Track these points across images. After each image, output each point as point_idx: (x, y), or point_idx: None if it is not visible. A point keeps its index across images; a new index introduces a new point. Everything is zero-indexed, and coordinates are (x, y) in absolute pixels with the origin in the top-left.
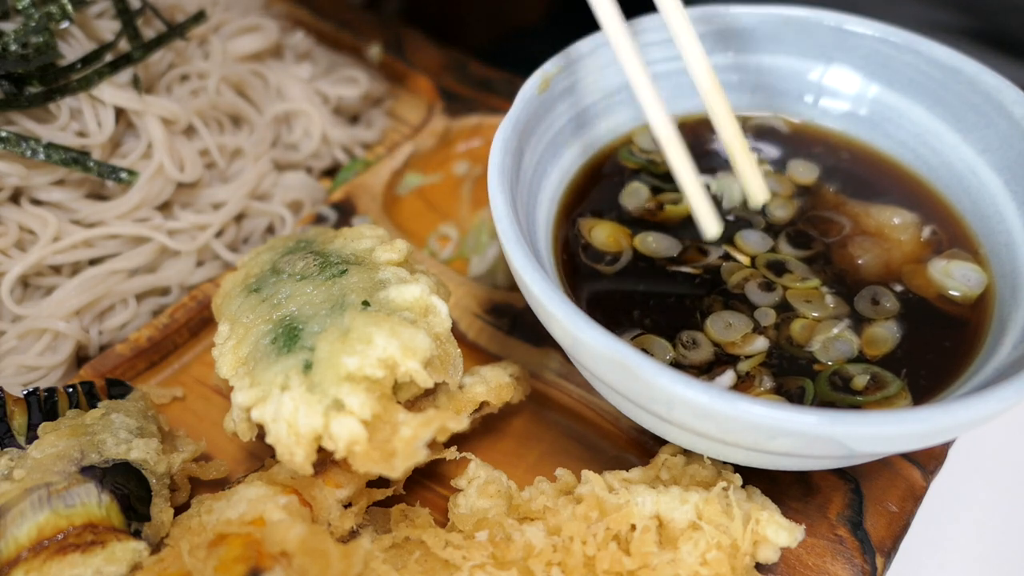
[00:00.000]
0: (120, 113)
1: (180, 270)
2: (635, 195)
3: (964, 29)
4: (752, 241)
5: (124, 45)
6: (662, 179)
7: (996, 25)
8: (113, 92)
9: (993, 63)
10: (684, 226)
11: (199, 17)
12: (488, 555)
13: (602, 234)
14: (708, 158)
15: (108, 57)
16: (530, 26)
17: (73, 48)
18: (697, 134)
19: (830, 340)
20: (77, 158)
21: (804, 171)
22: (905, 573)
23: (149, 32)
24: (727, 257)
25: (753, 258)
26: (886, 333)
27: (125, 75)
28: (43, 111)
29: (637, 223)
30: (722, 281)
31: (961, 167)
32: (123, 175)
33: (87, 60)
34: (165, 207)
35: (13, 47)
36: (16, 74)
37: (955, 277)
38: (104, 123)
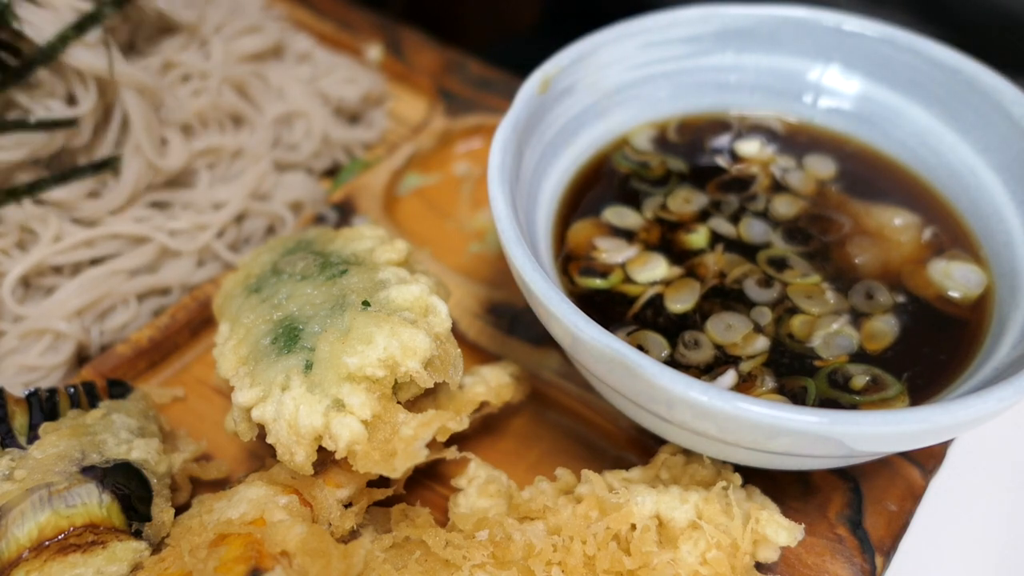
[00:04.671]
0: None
1: (181, 270)
2: (618, 215)
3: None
4: (755, 231)
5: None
6: (653, 183)
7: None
8: (84, 54)
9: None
10: (675, 240)
11: None
12: (488, 555)
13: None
14: (708, 158)
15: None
16: (530, 26)
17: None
18: (697, 134)
19: (831, 335)
20: (65, 174)
21: (803, 170)
22: (905, 573)
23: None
24: (727, 248)
25: (754, 252)
26: (885, 327)
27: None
28: (29, 87)
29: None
30: (719, 277)
31: (960, 167)
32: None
33: None
34: (166, 207)
35: None
36: None
37: (955, 278)
38: (89, 91)
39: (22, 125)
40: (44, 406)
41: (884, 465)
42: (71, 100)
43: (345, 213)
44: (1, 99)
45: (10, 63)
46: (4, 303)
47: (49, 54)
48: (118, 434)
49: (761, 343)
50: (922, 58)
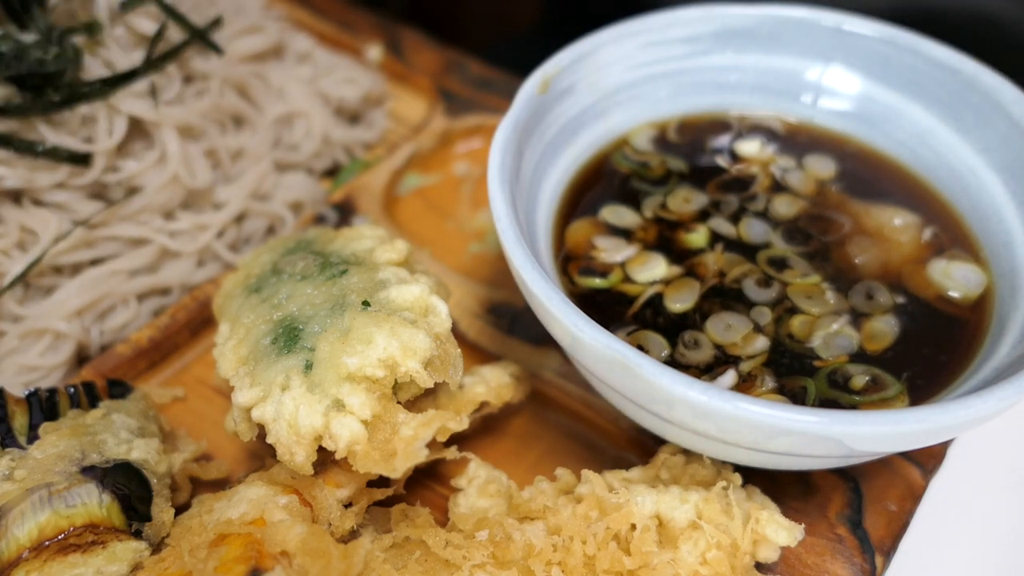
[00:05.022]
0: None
1: (181, 270)
2: (617, 215)
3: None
4: (755, 231)
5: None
6: (653, 183)
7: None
8: (130, 102)
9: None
10: (675, 240)
11: (216, 23)
12: (488, 555)
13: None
14: (708, 158)
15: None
16: (530, 26)
17: (94, 60)
18: (697, 134)
19: (831, 336)
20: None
21: (803, 170)
22: (905, 573)
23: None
24: (727, 247)
25: (754, 252)
26: (885, 327)
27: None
28: (57, 116)
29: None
30: (718, 277)
31: (960, 167)
32: None
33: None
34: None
35: (35, 55)
36: (33, 81)
37: (955, 278)
38: (115, 131)
39: (28, 149)
40: (44, 406)
41: (884, 465)
42: (89, 140)
43: (345, 213)
44: (22, 125)
45: (52, 98)
46: (4, 303)
47: (96, 94)
48: (118, 434)
49: (761, 343)
50: (922, 58)
